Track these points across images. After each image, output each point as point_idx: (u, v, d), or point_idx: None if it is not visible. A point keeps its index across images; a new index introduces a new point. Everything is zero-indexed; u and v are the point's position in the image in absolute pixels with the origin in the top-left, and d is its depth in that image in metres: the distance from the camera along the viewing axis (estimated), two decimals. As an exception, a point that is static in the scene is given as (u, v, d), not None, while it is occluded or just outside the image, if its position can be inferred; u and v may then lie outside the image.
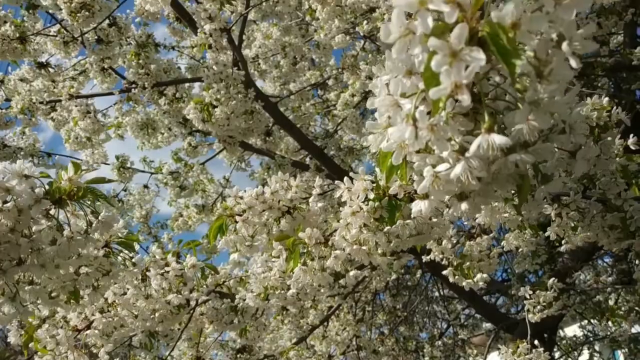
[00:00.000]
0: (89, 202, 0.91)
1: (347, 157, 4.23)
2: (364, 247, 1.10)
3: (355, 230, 1.09)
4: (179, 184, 3.54)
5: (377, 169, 1.17)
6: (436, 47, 0.49)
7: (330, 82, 3.90)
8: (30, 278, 0.94)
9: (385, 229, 1.08)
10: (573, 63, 0.52)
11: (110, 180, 1.04)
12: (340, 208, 1.14)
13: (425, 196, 0.74)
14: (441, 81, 0.50)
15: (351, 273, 1.16)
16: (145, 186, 3.83)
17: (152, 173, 3.77)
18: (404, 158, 0.69)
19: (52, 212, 0.93)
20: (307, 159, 3.77)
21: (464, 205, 0.74)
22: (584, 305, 2.49)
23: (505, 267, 5.08)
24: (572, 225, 1.43)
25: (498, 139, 0.55)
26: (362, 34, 3.68)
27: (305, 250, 1.15)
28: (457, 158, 0.63)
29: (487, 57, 0.51)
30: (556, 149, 0.76)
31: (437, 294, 5.59)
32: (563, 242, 1.48)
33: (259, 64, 4.12)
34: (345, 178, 1.12)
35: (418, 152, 0.68)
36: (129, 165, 3.51)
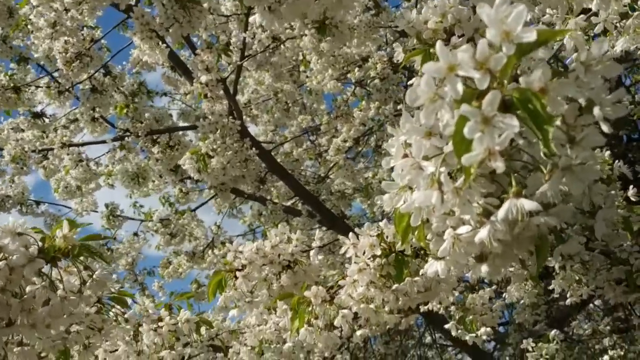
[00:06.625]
0: (82, 259, 0.88)
1: (339, 202, 4.22)
2: (371, 306, 1.06)
3: (362, 288, 1.06)
4: (169, 232, 3.48)
5: (381, 224, 1.15)
6: (469, 114, 0.48)
7: (322, 128, 3.93)
8: (20, 339, 0.89)
9: (393, 287, 1.05)
10: (605, 128, 0.51)
11: (105, 237, 1.01)
12: (345, 265, 1.11)
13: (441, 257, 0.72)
14: (474, 148, 0.48)
15: (358, 333, 1.12)
16: (135, 234, 3.77)
17: (142, 220, 3.72)
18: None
19: (45, 270, 0.89)
20: (300, 205, 3.75)
21: (484, 268, 0.71)
22: (584, 354, 2.46)
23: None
24: (577, 278, 1.41)
25: (527, 204, 0.54)
26: (353, 81, 3.74)
27: (310, 309, 1.11)
28: (481, 221, 0.62)
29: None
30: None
31: (429, 339, 5.49)
32: (568, 294, 1.46)
33: (251, 109, 4.14)
34: (351, 234, 1.10)
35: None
36: (118, 213, 3.47)
